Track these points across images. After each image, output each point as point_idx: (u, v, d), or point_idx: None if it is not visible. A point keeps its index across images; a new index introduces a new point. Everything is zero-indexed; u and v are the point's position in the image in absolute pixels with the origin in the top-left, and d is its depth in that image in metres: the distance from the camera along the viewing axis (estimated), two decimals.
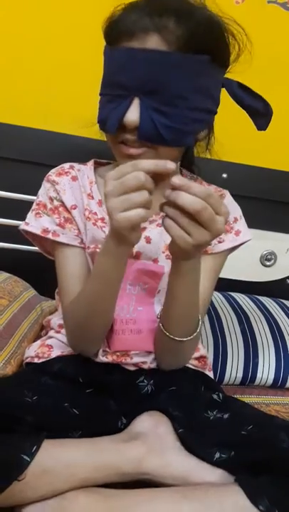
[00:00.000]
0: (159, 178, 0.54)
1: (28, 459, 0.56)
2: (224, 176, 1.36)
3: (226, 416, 0.70)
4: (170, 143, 0.66)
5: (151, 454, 0.64)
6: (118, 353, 0.78)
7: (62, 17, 1.21)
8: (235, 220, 0.83)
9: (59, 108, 1.25)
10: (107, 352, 0.78)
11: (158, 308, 0.80)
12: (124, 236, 0.57)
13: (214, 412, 0.71)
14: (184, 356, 0.79)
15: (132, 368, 0.79)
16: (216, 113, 0.71)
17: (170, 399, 0.74)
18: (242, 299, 1.26)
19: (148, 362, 0.79)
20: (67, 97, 1.24)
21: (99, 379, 0.76)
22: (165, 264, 0.78)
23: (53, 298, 1.28)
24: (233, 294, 1.31)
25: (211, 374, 0.89)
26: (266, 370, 1.04)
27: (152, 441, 0.66)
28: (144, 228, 0.78)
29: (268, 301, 1.27)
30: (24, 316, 1.08)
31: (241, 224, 0.84)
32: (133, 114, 0.63)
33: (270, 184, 1.43)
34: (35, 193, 1.26)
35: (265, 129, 0.70)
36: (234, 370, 1.03)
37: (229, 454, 0.65)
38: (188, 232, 0.53)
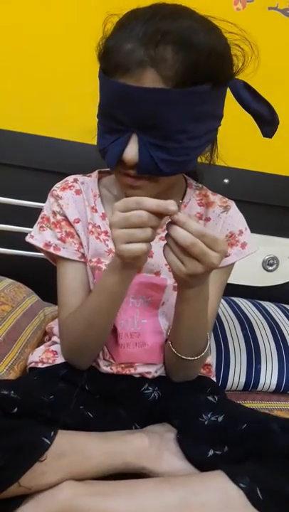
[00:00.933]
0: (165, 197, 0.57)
1: (49, 442, 0.59)
2: (226, 181, 1.37)
3: (220, 418, 0.71)
4: (170, 174, 0.66)
5: (151, 448, 0.67)
6: (123, 365, 0.79)
7: (62, 22, 1.21)
8: (241, 232, 0.83)
9: (60, 115, 1.26)
10: (111, 363, 0.79)
11: (162, 320, 0.81)
12: (127, 264, 0.61)
13: (209, 415, 0.72)
14: (194, 371, 0.81)
15: (136, 375, 0.80)
16: (219, 125, 0.70)
17: (173, 407, 0.75)
18: (244, 304, 1.26)
19: (152, 372, 0.80)
20: (70, 104, 1.25)
21: (104, 387, 0.77)
22: (167, 277, 0.79)
23: (56, 303, 1.29)
24: (235, 299, 1.31)
25: (214, 380, 0.90)
26: (269, 375, 1.04)
27: (155, 439, 0.69)
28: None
29: (270, 306, 1.27)
30: (27, 321, 1.09)
31: (247, 236, 0.83)
32: (131, 152, 0.63)
33: (272, 189, 1.43)
34: (37, 200, 1.29)
35: (271, 137, 0.69)
36: (237, 375, 1.03)
37: (223, 450, 0.66)
38: (181, 261, 0.57)
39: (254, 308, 1.23)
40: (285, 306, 1.31)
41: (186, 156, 0.65)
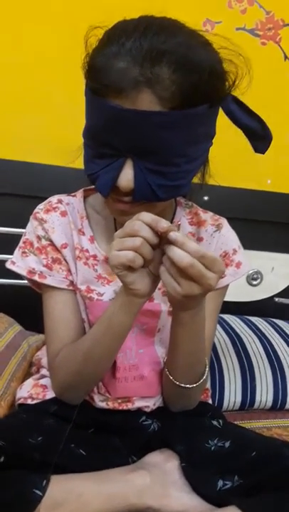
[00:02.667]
0: None
1: (41, 493, 0.55)
2: (205, 198, 1.36)
3: (227, 444, 0.68)
4: (166, 199, 0.63)
5: (154, 485, 0.62)
6: (119, 400, 0.75)
7: (34, 40, 1.21)
8: (234, 251, 0.79)
9: (33, 138, 1.25)
10: (106, 398, 0.75)
11: (159, 348, 0.78)
12: (119, 277, 0.57)
13: (215, 441, 0.69)
14: (194, 400, 0.77)
15: (133, 409, 0.76)
16: (212, 144, 0.67)
17: (175, 433, 0.72)
18: (233, 320, 1.24)
19: (150, 406, 0.77)
20: (43, 126, 1.24)
21: (98, 421, 0.73)
22: (161, 302, 0.76)
23: (40, 331, 1.25)
24: (223, 315, 1.29)
25: (210, 401, 0.87)
26: (265, 392, 1.02)
27: (157, 474, 0.64)
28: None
29: (258, 321, 1.26)
30: (11, 354, 1.04)
31: (240, 254, 0.80)
32: (127, 178, 0.59)
33: (251, 204, 1.44)
34: (13, 225, 1.25)
35: (263, 153, 0.66)
36: (232, 394, 1.01)
37: (233, 480, 0.62)
38: (177, 282, 0.54)
39: (243, 324, 1.22)
40: (273, 320, 1.30)
41: (182, 179, 0.62)
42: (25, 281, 0.80)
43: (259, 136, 0.64)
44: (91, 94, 0.58)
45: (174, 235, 0.52)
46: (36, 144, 1.25)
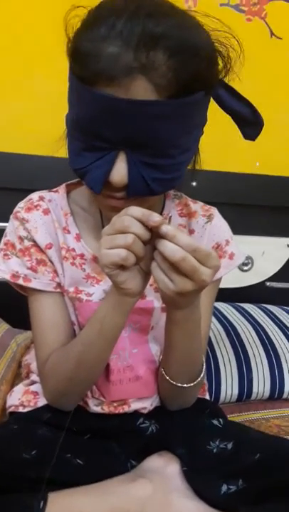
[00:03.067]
0: None
1: None
2: (193, 184, 1.32)
3: (229, 446, 0.66)
4: (161, 193, 0.60)
5: (156, 494, 0.60)
6: (115, 404, 0.72)
7: (19, 25, 1.14)
8: (227, 242, 0.77)
9: (16, 127, 1.18)
10: (101, 402, 0.72)
11: (153, 346, 0.75)
12: (110, 277, 0.54)
13: (217, 442, 0.67)
14: (191, 398, 0.75)
15: (130, 411, 0.73)
16: (202, 133, 0.63)
17: (174, 435, 0.69)
18: (225, 308, 1.22)
19: (147, 407, 0.74)
20: (25, 115, 1.17)
21: (94, 426, 0.70)
22: (154, 298, 0.72)
23: (27, 328, 1.21)
24: (215, 304, 1.26)
25: (206, 396, 0.85)
26: (261, 383, 1.01)
27: (158, 481, 0.62)
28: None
29: (251, 308, 1.24)
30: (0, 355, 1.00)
31: (233, 245, 0.77)
32: (120, 173, 0.55)
33: (240, 188, 1.41)
34: None
35: (254, 139, 0.63)
36: (229, 387, 0.99)
37: (237, 484, 0.61)
38: (170, 278, 0.51)
39: (236, 312, 1.20)
40: (266, 306, 1.28)
41: (177, 171, 0.58)
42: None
43: (249, 122, 0.61)
44: (78, 82, 0.53)
45: (164, 228, 0.49)
46: (15, 132, 1.19)
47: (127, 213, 0.50)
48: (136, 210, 0.50)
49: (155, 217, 0.49)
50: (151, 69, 0.49)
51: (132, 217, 0.50)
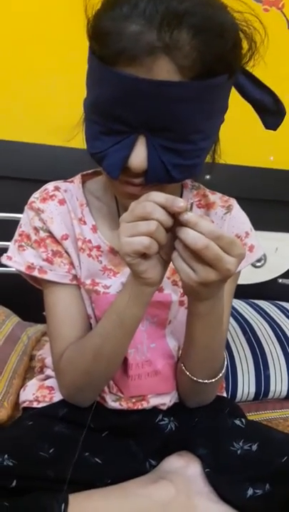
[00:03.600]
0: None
1: None
2: (207, 177, 1.29)
3: (254, 447, 0.63)
4: (181, 181, 0.58)
5: (179, 497, 0.58)
6: (134, 399, 0.70)
7: (31, 13, 1.11)
8: (247, 234, 0.74)
9: (28, 116, 1.16)
10: (119, 397, 0.69)
11: (171, 341, 0.73)
12: (130, 266, 0.52)
13: (241, 443, 0.64)
14: (212, 395, 0.72)
15: (148, 408, 0.71)
16: (223, 120, 0.61)
17: (195, 435, 0.67)
18: (240, 305, 1.20)
19: (167, 403, 0.72)
20: (36, 104, 1.15)
21: (112, 422, 0.68)
22: (172, 292, 0.70)
23: (37, 321, 1.19)
24: None
25: (224, 394, 0.82)
26: (279, 381, 0.98)
27: (181, 483, 0.60)
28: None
29: (266, 305, 1.22)
30: (11, 348, 0.98)
31: (253, 237, 0.75)
32: (140, 157, 0.53)
33: (253, 182, 1.38)
34: (3, 210, 1.17)
35: (275, 129, 0.61)
36: (246, 385, 0.97)
37: (264, 488, 0.58)
38: (192, 268, 0.49)
39: (251, 309, 1.17)
40: (281, 303, 1.26)
41: (198, 158, 0.56)
42: None
43: (271, 111, 0.59)
44: (98, 63, 0.50)
45: (186, 215, 0.47)
46: (27, 121, 1.16)
47: (149, 199, 0.48)
48: (158, 196, 0.48)
49: (180, 203, 0.47)
50: (174, 48, 0.47)
51: (154, 202, 0.48)
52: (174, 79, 0.48)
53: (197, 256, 0.47)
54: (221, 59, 0.49)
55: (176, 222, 0.49)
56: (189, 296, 0.56)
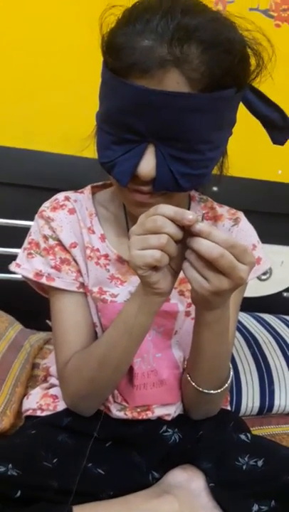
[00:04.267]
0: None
1: None
2: (215, 189, 1.29)
3: (260, 463, 0.63)
4: (188, 190, 0.59)
5: (183, 511, 0.57)
6: (139, 409, 0.69)
7: (45, 23, 1.13)
8: (254, 246, 0.75)
9: (42, 125, 1.17)
10: (124, 407, 0.69)
11: (176, 352, 0.72)
12: (142, 278, 0.52)
13: (246, 459, 0.63)
14: (217, 406, 0.72)
15: (153, 418, 0.70)
16: (232, 133, 0.63)
17: (200, 448, 0.66)
18: (245, 319, 1.19)
19: (171, 413, 0.71)
20: (51, 113, 1.16)
21: (117, 432, 0.67)
22: (178, 302, 0.70)
23: (40, 329, 1.19)
24: None
25: (228, 407, 0.81)
26: (283, 396, 0.97)
27: (185, 497, 0.60)
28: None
29: (271, 319, 1.21)
30: (14, 356, 0.97)
31: (260, 250, 0.76)
32: (148, 166, 0.54)
33: (261, 195, 1.39)
34: (14, 217, 1.18)
35: (282, 144, 0.62)
36: (250, 399, 0.96)
37: (269, 505, 0.58)
38: (205, 277, 0.49)
39: (256, 323, 1.17)
40: (286, 317, 1.25)
41: (205, 168, 0.57)
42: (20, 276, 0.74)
43: (279, 127, 0.61)
44: (111, 75, 0.53)
45: (198, 225, 0.48)
46: (40, 130, 1.17)
47: (158, 212, 0.49)
48: (167, 209, 0.48)
49: (189, 215, 0.47)
50: (184, 62, 0.49)
51: (164, 216, 0.48)
52: (184, 90, 0.50)
53: (210, 265, 0.48)
54: (229, 73, 0.51)
55: (185, 233, 0.49)
56: (199, 305, 0.57)
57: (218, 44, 0.50)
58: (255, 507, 0.57)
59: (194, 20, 0.50)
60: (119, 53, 0.52)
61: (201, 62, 0.50)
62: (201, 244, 0.47)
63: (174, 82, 0.50)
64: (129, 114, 0.53)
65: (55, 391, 0.74)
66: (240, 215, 0.77)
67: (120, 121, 0.54)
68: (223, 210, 0.76)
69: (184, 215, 0.47)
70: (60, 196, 0.72)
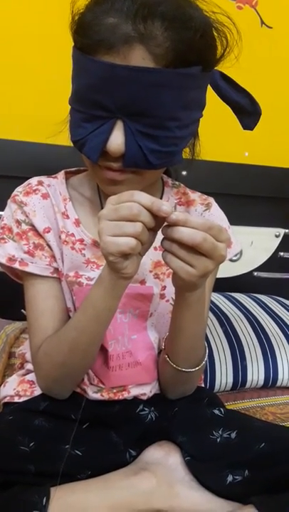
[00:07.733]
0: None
1: None
2: (184, 173, 1.31)
3: (233, 435, 0.66)
4: (158, 167, 0.60)
5: (161, 487, 0.60)
6: (115, 390, 0.71)
7: (17, 9, 1.10)
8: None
9: (10, 113, 1.14)
10: (100, 389, 0.70)
11: (152, 333, 0.74)
12: (112, 263, 0.52)
13: (220, 432, 0.66)
14: (192, 385, 0.74)
15: (129, 398, 0.72)
16: (202, 116, 0.64)
17: (175, 424, 0.68)
18: (217, 298, 1.22)
19: (147, 393, 0.73)
20: (22, 100, 1.14)
21: (94, 414, 0.68)
22: (153, 285, 0.72)
23: (16, 319, 1.18)
24: None
25: (202, 384, 0.84)
26: (256, 371, 1.01)
27: (162, 473, 0.62)
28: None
29: (242, 298, 1.24)
30: None
31: (230, 234, 0.77)
32: (117, 141, 0.55)
33: (229, 178, 1.40)
34: None
35: (252, 129, 0.64)
36: (224, 376, 0.99)
37: (243, 474, 0.60)
38: (190, 264, 0.51)
39: (228, 302, 1.20)
40: (256, 295, 1.29)
41: (174, 146, 0.58)
42: None
43: (248, 112, 0.63)
44: (79, 54, 0.55)
45: (174, 215, 0.49)
46: (8, 118, 1.15)
47: (134, 199, 0.49)
48: (144, 198, 0.49)
49: (165, 207, 0.48)
50: (149, 38, 0.51)
51: (140, 204, 0.49)
52: (149, 66, 0.52)
53: (192, 250, 0.49)
54: (192, 49, 0.53)
55: (157, 221, 0.50)
56: (184, 289, 0.58)
57: (180, 19, 0.52)
58: (230, 477, 0.60)
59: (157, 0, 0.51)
60: (86, 31, 0.53)
61: (165, 38, 0.51)
62: (182, 233, 0.48)
63: (139, 57, 0.51)
64: (97, 91, 0.54)
65: (32, 377, 0.74)
66: (212, 200, 0.79)
67: (89, 98, 0.55)
68: (195, 195, 0.78)
69: (162, 206, 0.48)
70: (33, 181, 0.72)
